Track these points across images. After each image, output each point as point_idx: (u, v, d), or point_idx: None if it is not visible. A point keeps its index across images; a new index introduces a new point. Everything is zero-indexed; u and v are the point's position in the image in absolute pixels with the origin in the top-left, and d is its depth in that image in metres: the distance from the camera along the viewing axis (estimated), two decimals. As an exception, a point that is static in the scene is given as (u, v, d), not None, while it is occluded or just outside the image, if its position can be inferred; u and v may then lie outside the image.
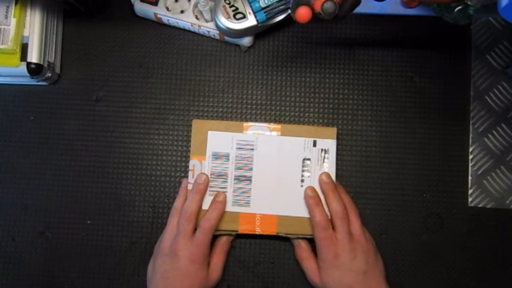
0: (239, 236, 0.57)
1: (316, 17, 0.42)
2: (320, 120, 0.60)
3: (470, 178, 0.58)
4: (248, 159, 0.56)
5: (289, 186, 0.55)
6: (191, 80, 0.60)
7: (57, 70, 0.60)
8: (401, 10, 0.49)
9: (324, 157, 0.56)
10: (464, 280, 0.57)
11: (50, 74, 0.57)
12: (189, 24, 0.58)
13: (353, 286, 0.50)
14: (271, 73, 0.60)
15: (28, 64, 0.55)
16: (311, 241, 0.55)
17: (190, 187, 0.55)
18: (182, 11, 0.58)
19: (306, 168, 0.56)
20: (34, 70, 0.55)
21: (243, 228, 0.55)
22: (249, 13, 0.55)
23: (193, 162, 0.56)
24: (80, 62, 0.61)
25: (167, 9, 0.58)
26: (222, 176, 0.56)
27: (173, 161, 0.59)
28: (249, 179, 0.56)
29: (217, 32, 0.58)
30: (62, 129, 0.59)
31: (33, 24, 0.56)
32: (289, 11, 0.43)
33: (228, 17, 0.55)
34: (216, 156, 0.56)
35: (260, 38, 0.60)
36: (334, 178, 0.55)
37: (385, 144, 0.59)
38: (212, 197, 0.55)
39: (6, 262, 0.58)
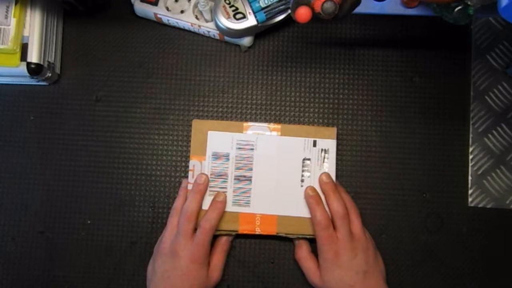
0: (239, 236, 0.57)
1: (316, 17, 0.42)
2: (320, 120, 0.60)
3: (470, 178, 0.58)
4: (248, 159, 0.56)
5: (289, 186, 0.55)
6: (191, 80, 0.60)
7: (57, 70, 0.60)
8: (401, 10, 0.49)
9: (324, 157, 0.56)
10: (464, 280, 0.57)
11: (50, 74, 0.57)
12: (189, 24, 0.58)
13: (353, 285, 0.50)
14: (271, 73, 0.60)
15: (28, 64, 0.55)
16: (311, 241, 0.55)
17: (190, 187, 0.55)
18: (182, 11, 0.58)
19: (306, 168, 0.56)
20: (34, 70, 0.55)
21: (243, 228, 0.55)
22: (249, 13, 0.55)
23: (193, 162, 0.56)
24: (80, 62, 0.61)
25: (167, 9, 0.58)
26: (222, 176, 0.56)
27: (173, 161, 0.59)
28: (249, 179, 0.56)
29: (217, 32, 0.58)
30: (62, 129, 0.59)
31: (33, 24, 0.56)
32: (289, 11, 0.42)
33: (228, 17, 0.55)
34: (216, 156, 0.56)
35: (260, 38, 0.60)
36: (334, 178, 0.55)
37: (385, 144, 0.59)
38: (212, 197, 0.55)
39: (6, 262, 0.58)
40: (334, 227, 0.52)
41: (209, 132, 0.56)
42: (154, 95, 0.60)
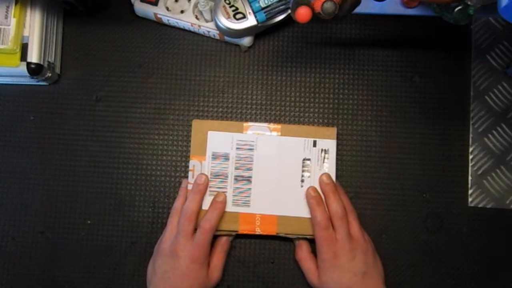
0: (239, 236, 0.57)
1: (316, 17, 0.42)
2: (320, 120, 0.60)
3: (470, 178, 0.58)
4: (248, 159, 0.56)
5: (289, 186, 0.55)
6: (191, 80, 0.60)
7: (57, 70, 0.60)
8: (401, 10, 0.49)
9: (324, 157, 0.56)
10: (464, 280, 0.57)
11: (50, 74, 0.57)
12: (189, 24, 0.58)
13: (351, 286, 0.50)
14: (271, 73, 0.60)
15: (28, 64, 0.55)
16: (311, 242, 0.55)
17: (190, 187, 0.55)
18: (182, 11, 0.58)
19: (306, 168, 0.56)
20: (34, 70, 0.55)
21: (243, 228, 0.55)
22: (249, 13, 0.55)
23: (193, 162, 0.56)
24: (80, 62, 0.61)
25: (167, 9, 0.58)
26: (222, 176, 0.56)
27: (173, 161, 0.59)
28: (249, 179, 0.56)
29: (217, 32, 0.58)
30: (62, 129, 0.59)
31: (33, 24, 0.56)
32: (289, 11, 0.43)
33: (228, 17, 0.55)
34: (216, 156, 0.56)
35: (260, 38, 0.60)
36: (334, 178, 0.55)
37: (385, 144, 0.59)
38: (212, 197, 0.55)
39: (6, 262, 0.58)
40: (333, 228, 0.52)
41: (209, 132, 0.56)
42: (154, 95, 0.60)
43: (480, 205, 0.58)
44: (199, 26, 0.58)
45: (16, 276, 0.58)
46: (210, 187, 0.55)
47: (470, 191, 0.58)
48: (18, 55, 0.55)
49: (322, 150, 0.56)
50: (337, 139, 0.57)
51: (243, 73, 0.60)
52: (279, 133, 0.56)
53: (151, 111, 0.60)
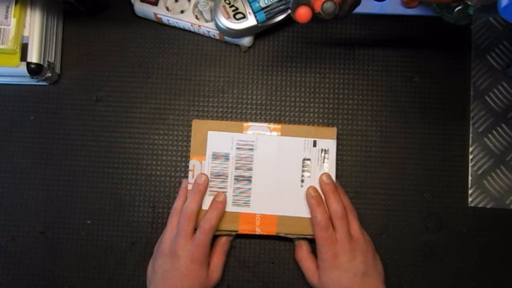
0: (239, 236, 0.57)
1: (316, 17, 0.42)
2: (320, 120, 0.60)
3: (470, 178, 0.58)
4: (248, 159, 0.56)
5: (289, 186, 0.55)
6: (191, 80, 0.60)
7: (57, 70, 0.60)
8: (401, 10, 0.49)
9: (324, 157, 0.56)
10: (464, 280, 0.57)
11: (50, 74, 0.57)
12: (189, 24, 0.58)
13: (350, 287, 0.50)
14: (271, 73, 0.60)
15: (28, 64, 0.55)
16: (311, 242, 0.55)
17: (190, 187, 0.55)
18: (182, 11, 0.58)
19: (306, 168, 0.56)
20: (34, 70, 0.55)
21: (243, 228, 0.55)
22: (249, 13, 0.55)
23: (193, 162, 0.56)
24: (80, 62, 0.61)
25: (167, 9, 0.58)
26: (222, 176, 0.56)
27: (173, 161, 0.59)
28: (249, 179, 0.56)
29: (217, 32, 0.58)
30: (62, 129, 0.59)
31: (33, 24, 0.56)
32: (289, 11, 0.43)
33: (228, 17, 0.55)
34: (216, 156, 0.56)
35: (260, 38, 0.60)
36: (334, 178, 0.55)
37: (385, 144, 0.59)
38: (212, 197, 0.55)
39: (6, 262, 0.58)
40: (333, 228, 0.52)
41: (209, 132, 0.56)
42: (154, 95, 0.60)
43: (480, 205, 0.58)
44: (199, 26, 0.58)
45: (16, 276, 0.58)
46: (210, 187, 0.55)
47: (470, 191, 0.58)
48: (18, 55, 0.55)
49: (322, 150, 0.56)
50: (337, 139, 0.57)
51: (243, 73, 0.60)
52: (279, 133, 0.56)
53: (151, 111, 0.60)
